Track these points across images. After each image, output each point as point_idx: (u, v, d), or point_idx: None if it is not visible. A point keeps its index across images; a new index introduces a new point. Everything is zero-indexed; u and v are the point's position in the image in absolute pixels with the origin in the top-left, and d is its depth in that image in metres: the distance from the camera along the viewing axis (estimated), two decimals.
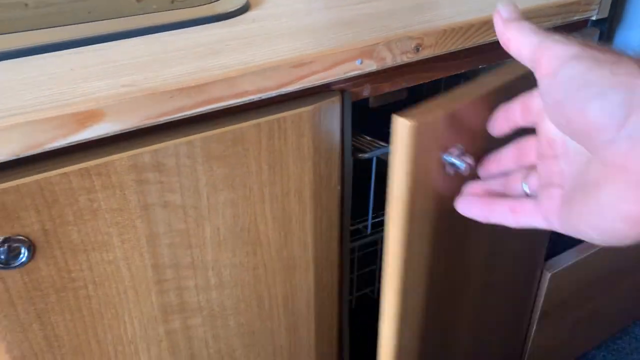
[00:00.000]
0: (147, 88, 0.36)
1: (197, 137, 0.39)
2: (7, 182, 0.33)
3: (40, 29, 0.48)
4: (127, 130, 0.36)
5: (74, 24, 0.49)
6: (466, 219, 0.39)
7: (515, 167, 0.41)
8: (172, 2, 0.78)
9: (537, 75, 0.33)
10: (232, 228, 0.44)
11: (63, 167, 0.35)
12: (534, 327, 0.85)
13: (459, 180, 0.42)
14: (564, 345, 0.95)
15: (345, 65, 0.42)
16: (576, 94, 0.30)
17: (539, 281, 0.79)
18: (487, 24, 0.49)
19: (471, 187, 0.41)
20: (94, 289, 0.40)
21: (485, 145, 0.43)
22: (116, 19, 0.50)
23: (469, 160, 0.42)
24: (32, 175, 0.34)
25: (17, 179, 0.34)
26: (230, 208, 0.43)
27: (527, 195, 0.39)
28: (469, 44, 0.48)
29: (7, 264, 0.35)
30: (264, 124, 0.42)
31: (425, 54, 0.46)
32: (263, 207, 0.45)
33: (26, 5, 0.75)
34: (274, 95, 0.41)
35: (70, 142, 0.34)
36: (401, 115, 0.38)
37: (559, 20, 0.54)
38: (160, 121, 0.37)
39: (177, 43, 0.44)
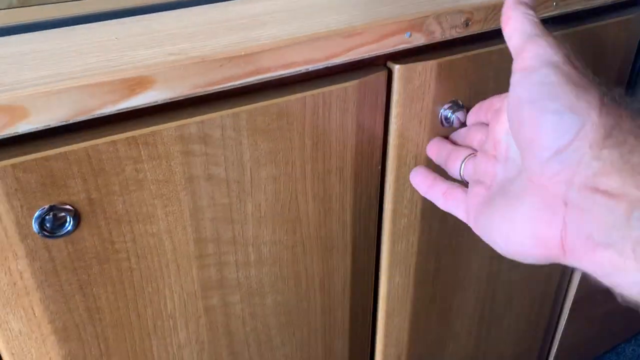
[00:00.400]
0: (196, 56, 0.35)
1: (242, 109, 0.38)
2: (55, 148, 0.33)
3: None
4: (175, 100, 0.35)
5: None
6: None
7: (461, 144, 0.46)
8: None
9: (514, 66, 0.34)
10: (273, 204, 0.43)
11: (111, 135, 0.34)
12: (564, 320, 0.83)
13: (450, 132, 0.46)
14: (593, 338, 0.93)
15: (395, 37, 0.41)
16: (538, 101, 0.31)
17: (571, 274, 0.77)
18: (538, 1, 0.47)
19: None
20: (136, 261, 0.39)
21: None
22: None
23: (461, 115, 0.47)
24: (79, 142, 0.34)
25: (64, 145, 0.33)
26: (272, 184, 0.43)
27: (460, 179, 0.43)
28: None
29: (52, 232, 0.35)
30: (309, 98, 0.41)
31: (473, 29, 0.45)
32: (304, 185, 0.44)
33: None
34: (320, 67, 0.40)
35: (119, 109, 0.33)
36: (396, 63, 0.43)
37: None
38: (208, 90, 0.36)
39: (221, 15, 0.44)
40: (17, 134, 0.31)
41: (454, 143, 0.47)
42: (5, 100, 0.30)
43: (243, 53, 0.36)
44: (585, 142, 0.28)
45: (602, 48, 0.56)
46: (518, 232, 0.32)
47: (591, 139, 0.28)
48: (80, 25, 0.42)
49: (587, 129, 0.28)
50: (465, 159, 0.42)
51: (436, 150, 0.47)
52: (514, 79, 0.33)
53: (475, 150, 0.43)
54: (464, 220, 0.40)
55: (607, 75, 0.59)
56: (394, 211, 0.51)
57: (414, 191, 0.50)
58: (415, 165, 0.49)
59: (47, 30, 0.41)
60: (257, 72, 0.37)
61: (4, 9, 0.44)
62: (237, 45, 0.37)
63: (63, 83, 0.31)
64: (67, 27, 0.41)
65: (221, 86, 0.36)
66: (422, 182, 0.46)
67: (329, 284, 0.51)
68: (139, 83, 0.33)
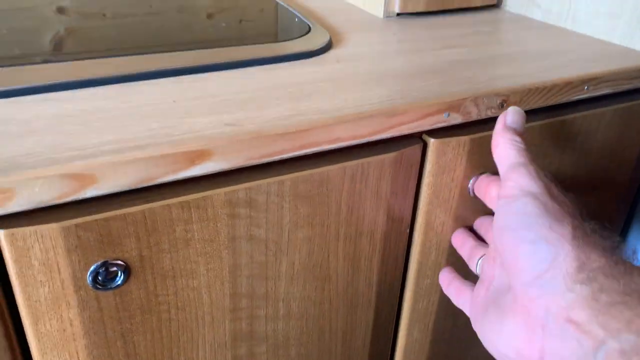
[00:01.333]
0: (251, 130, 0.37)
1: (287, 177, 0.41)
2: (115, 210, 0.35)
3: (136, 54, 0.51)
4: (228, 169, 0.38)
5: (169, 52, 0.51)
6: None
7: (484, 234, 0.49)
8: (240, 22, 0.80)
9: (499, 192, 0.37)
10: (305, 263, 0.46)
11: (166, 199, 0.37)
12: None
13: (483, 203, 0.48)
14: None
15: (434, 117, 0.43)
16: (516, 230, 0.33)
17: None
18: (570, 85, 0.49)
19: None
20: (175, 312, 0.41)
21: None
22: (208, 50, 0.52)
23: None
24: (138, 205, 0.36)
25: (124, 207, 0.36)
26: (307, 244, 0.45)
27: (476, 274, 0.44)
28: (550, 102, 0.49)
29: (103, 285, 0.37)
30: (348, 168, 0.43)
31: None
32: (337, 246, 0.46)
33: (104, 15, 0.78)
34: (363, 141, 0.42)
35: (178, 178, 0.36)
36: (432, 136, 0.46)
37: None
38: (259, 162, 0.38)
39: (269, 80, 0.46)
40: (84, 198, 0.34)
41: (478, 230, 0.50)
42: (78, 168, 0.32)
43: (295, 130, 0.38)
44: (560, 271, 0.31)
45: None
46: (504, 344, 0.34)
47: (565, 270, 0.30)
48: (137, 82, 0.45)
49: (561, 260, 0.31)
50: (481, 256, 0.45)
51: (460, 242, 0.49)
52: (498, 205, 0.36)
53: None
54: (468, 315, 0.43)
55: None
56: (419, 272, 0.52)
57: (438, 254, 0.52)
58: (442, 230, 0.51)
59: (106, 87, 0.43)
60: (306, 147, 0.39)
61: (62, 62, 0.47)
62: (287, 119, 0.39)
63: (131, 154, 0.34)
64: (124, 84, 0.44)
65: (272, 158, 0.39)
66: (444, 281, 0.50)
67: (350, 338, 0.53)
68: (199, 156, 0.35)
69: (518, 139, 0.39)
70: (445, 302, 0.56)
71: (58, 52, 0.60)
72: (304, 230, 0.44)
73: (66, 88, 0.43)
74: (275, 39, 0.73)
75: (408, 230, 0.50)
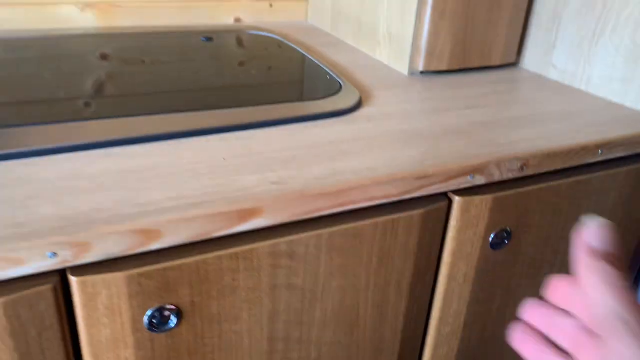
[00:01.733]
0: (295, 190, 0.41)
1: (325, 232, 0.44)
2: (173, 261, 0.39)
3: (185, 111, 0.55)
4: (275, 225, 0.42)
5: (214, 110, 0.55)
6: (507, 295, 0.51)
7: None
8: (269, 69, 0.85)
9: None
10: (337, 310, 0.49)
11: (218, 251, 0.40)
12: None
13: (502, 255, 0.50)
14: None
15: (460, 179, 0.47)
16: None
17: None
18: (585, 149, 0.53)
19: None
20: (219, 354, 0.44)
21: (533, 232, 0.54)
22: (249, 109, 0.57)
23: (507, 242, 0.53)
24: (194, 256, 0.40)
25: (181, 259, 0.39)
26: (340, 293, 0.48)
27: None
28: (567, 165, 0.53)
29: (157, 328, 0.41)
30: (380, 223, 0.47)
31: (527, 172, 0.51)
32: (367, 294, 0.50)
33: (143, 61, 0.83)
34: (395, 200, 0.46)
35: (230, 233, 0.40)
36: (457, 195, 0.50)
37: None
38: (302, 218, 0.42)
39: (307, 138, 0.50)
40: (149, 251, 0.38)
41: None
42: (146, 225, 0.36)
43: (334, 190, 0.42)
44: None
45: None
46: None
47: None
48: (187, 139, 0.49)
49: None
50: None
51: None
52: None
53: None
54: None
55: None
56: (440, 319, 0.56)
57: (459, 302, 0.55)
58: (464, 281, 0.54)
59: (161, 143, 0.48)
60: (344, 204, 0.43)
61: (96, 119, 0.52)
62: (326, 178, 0.43)
63: (191, 212, 0.38)
64: (177, 140, 0.48)
65: (312, 215, 0.42)
66: (531, 352, 0.34)
67: None
68: (250, 213, 0.39)
69: (611, 269, 0.29)
70: (465, 348, 0.59)
71: (99, 95, 0.65)
72: (337, 279, 0.47)
73: (126, 144, 0.47)
74: (302, 84, 0.77)
75: (432, 281, 0.54)
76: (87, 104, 0.62)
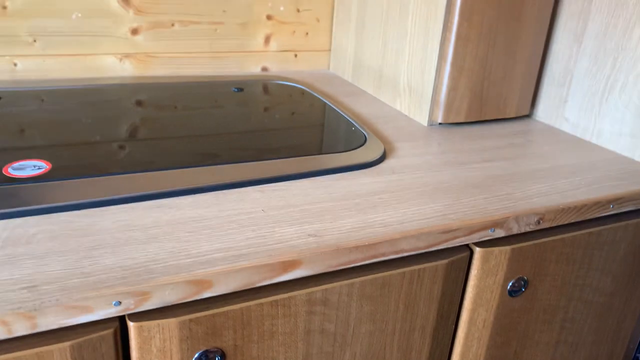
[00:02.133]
0: (331, 243, 0.45)
1: (356, 281, 0.48)
2: (220, 307, 0.43)
3: (225, 163, 0.59)
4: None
5: (252, 162, 0.59)
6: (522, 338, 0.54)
7: None
8: (292, 114, 0.90)
9: None
10: (365, 354, 0.52)
11: (260, 298, 0.44)
12: None
13: (520, 302, 0.52)
14: None
15: (481, 232, 0.51)
16: None
17: None
18: (598, 204, 0.57)
19: None
20: None
21: (548, 280, 0.56)
22: (282, 160, 0.61)
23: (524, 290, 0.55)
24: (238, 303, 0.43)
25: (227, 305, 0.43)
26: (368, 338, 0.51)
27: None
28: (580, 218, 0.56)
29: None
30: (407, 273, 0.50)
31: (543, 225, 0.54)
32: (392, 339, 0.53)
33: (175, 107, 0.88)
34: (421, 252, 0.49)
35: (272, 282, 0.43)
36: (478, 246, 0.53)
37: None
38: (336, 269, 0.46)
39: (337, 190, 0.54)
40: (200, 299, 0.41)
41: None
42: (200, 276, 0.40)
43: (367, 243, 0.46)
44: None
45: None
46: None
47: None
48: (228, 190, 0.53)
49: None
50: None
51: None
52: None
53: None
54: None
55: None
56: None
57: (479, 346, 0.58)
58: (483, 326, 0.57)
59: (204, 195, 0.52)
60: (375, 256, 0.47)
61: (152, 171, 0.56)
62: (358, 231, 0.47)
63: (239, 264, 0.41)
64: (218, 192, 0.52)
65: (346, 266, 0.46)
66: None
67: None
68: (291, 265, 0.43)
69: None
70: None
71: (133, 138, 0.69)
72: (366, 325, 0.51)
73: (173, 195, 0.51)
74: (329, 135, 0.81)
75: (454, 326, 0.57)
76: (121, 147, 0.66)
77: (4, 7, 0.79)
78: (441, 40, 0.72)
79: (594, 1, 0.72)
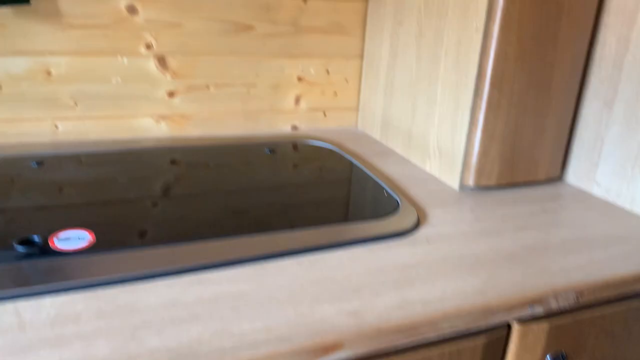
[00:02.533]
0: (372, 325, 0.45)
1: (395, 359, 0.48)
2: None
3: (260, 232, 0.60)
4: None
5: (289, 231, 0.60)
6: None
7: None
8: (320, 170, 0.91)
9: None
10: None
11: None
12: None
13: None
14: None
15: (520, 309, 0.51)
16: None
17: None
18: (636, 279, 0.56)
19: None
20: None
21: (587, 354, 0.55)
22: (317, 230, 0.61)
23: None
24: None
25: None
26: None
27: None
28: (619, 294, 0.56)
29: None
30: (446, 352, 0.50)
31: (582, 302, 0.54)
32: None
33: (208, 165, 0.90)
34: (461, 332, 0.49)
35: None
36: (516, 322, 0.52)
37: None
38: (376, 351, 0.46)
39: (373, 262, 0.55)
40: None
41: None
42: (240, 358, 0.41)
43: (407, 327, 0.46)
44: None
45: None
46: None
47: None
48: (265, 262, 0.54)
49: None
50: None
51: None
52: None
53: None
54: None
55: None
56: None
57: None
58: None
59: (242, 267, 0.53)
60: (415, 336, 0.47)
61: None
62: (398, 309, 0.47)
63: (281, 346, 0.42)
64: (256, 264, 0.53)
65: (386, 347, 0.46)
66: None
67: None
68: (332, 347, 0.43)
69: None
70: None
71: (166, 196, 0.71)
72: None
73: (213, 267, 0.52)
74: (349, 186, 0.82)
75: None
76: (154, 204, 0.68)
77: (49, 73, 0.83)
78: (472, 107, 0.73)
79: (624, 68, 0.72)
